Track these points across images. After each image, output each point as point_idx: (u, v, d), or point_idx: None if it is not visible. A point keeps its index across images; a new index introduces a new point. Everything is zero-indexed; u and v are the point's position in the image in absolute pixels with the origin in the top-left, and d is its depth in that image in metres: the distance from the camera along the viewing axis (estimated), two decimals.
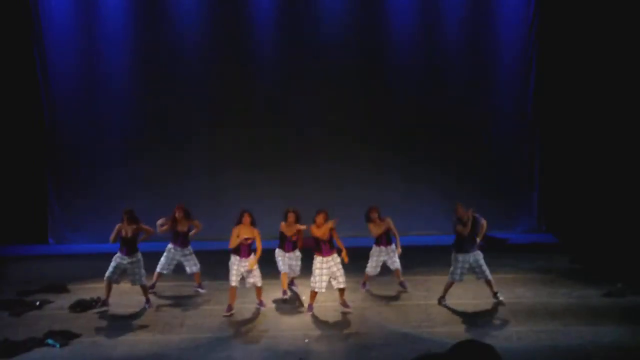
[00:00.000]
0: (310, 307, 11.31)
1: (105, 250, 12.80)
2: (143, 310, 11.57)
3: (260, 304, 11.40)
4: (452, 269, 11.46)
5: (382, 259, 12.04)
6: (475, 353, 3.64)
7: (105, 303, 11.60)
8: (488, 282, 11.54)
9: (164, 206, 12.83)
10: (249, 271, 11.14)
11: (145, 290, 11.67)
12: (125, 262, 11.42)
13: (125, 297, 12.08)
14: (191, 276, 12.38)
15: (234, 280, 11.14)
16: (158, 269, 12.17)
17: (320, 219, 11.07)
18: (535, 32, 15.33)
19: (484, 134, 15.70)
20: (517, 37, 15.49)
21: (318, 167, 15.45)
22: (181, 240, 12.10)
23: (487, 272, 11.46)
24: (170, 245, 12.15)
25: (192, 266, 12.20)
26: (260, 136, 15.45)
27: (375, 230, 11.81)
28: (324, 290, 11.17)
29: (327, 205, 14.15)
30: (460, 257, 11.35)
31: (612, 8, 14.87)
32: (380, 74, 15.52)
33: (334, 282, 11.21)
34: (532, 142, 15.81)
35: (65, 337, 10.39)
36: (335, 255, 11.19)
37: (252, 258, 11.15)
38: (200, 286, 12.30)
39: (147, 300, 11.64)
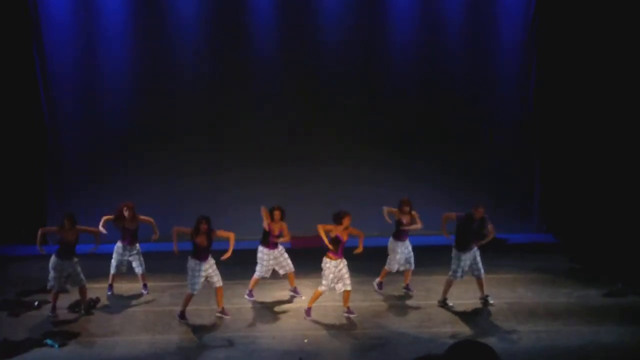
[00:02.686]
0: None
1: (105, 250, 12.78)
2: (142, 310, 11.56)
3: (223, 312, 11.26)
4: (453, 267, 11.42)
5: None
6: (474, 353, 3.61)
7: (55, 309, 11.30)
8: (480, 282, 11.48)
9: (164, 206, 12.82)
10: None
11: (85, 296, 11.40)
12: (69, 262, 11.22)
13: (125, 297, 12.07)
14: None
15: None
16: (112, 271, 12.11)
17: (347, 220, 10.90)
18: (535, 34, 15.30)
19: (485, 134, 15.68)
20: (518, 38, 15.45)
21: (318, 166, 15.41)
22: (129, 238, 12.05)
23: (482, 269, 11.41)
24: (119, 244, 12.07)
25: (138, 266, 12.13)
26: (261, 136, 15.42)
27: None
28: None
29: (327, 205, 14.19)
30: (463, 255, 11.32)
31: (612, 8, 14.84)
32: (381, 74, 15.49)
33: (337, 285, 11.10)
34: (532, 142, 15.78)
35: (64, 337, 10.38)
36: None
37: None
38: (145, 287, 12.24)
39: (53, 308, 11.31)
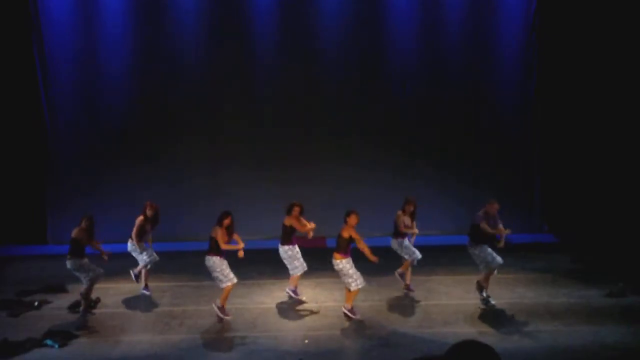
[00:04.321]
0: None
1: (104, 250, 12.76)
2: (143, 310, 11.56)
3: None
4: (489, 258, 11.20)
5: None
6: (474, 354, 3.60)
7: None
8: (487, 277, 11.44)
9: (164, 206, 12.79)
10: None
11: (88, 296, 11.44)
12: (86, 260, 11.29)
13: (125, 297, 12.06)
14: (191, 276, 12.36)
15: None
16: (146, 267, 12.09)
17: (352, 219, 10.82)
18: (535, 33, 15.30)
19: (485, 134, 15.67)
20: (518, 38, 15.47)
21: (318, 166, 15.42)
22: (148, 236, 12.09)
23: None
24: (141, 243, 11.94)
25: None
26: (261, 136, 15.41)
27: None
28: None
29: (327, 204, 14.22)
30: (485, 246, 11.27)
31: (612, 7, 14.84)
32: (381, 74, 15.50)
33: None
34: (532, 141, 15.78)
35: (64, 337, 10.35)
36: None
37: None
38: (146, 287, 12.23)
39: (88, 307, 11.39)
